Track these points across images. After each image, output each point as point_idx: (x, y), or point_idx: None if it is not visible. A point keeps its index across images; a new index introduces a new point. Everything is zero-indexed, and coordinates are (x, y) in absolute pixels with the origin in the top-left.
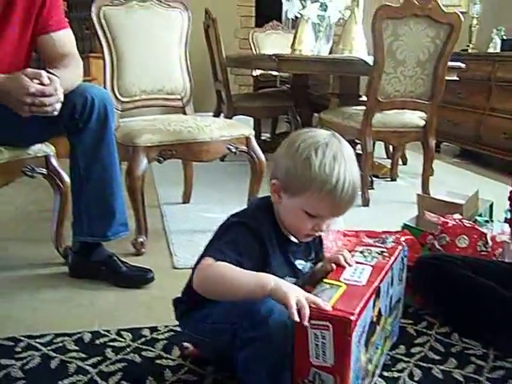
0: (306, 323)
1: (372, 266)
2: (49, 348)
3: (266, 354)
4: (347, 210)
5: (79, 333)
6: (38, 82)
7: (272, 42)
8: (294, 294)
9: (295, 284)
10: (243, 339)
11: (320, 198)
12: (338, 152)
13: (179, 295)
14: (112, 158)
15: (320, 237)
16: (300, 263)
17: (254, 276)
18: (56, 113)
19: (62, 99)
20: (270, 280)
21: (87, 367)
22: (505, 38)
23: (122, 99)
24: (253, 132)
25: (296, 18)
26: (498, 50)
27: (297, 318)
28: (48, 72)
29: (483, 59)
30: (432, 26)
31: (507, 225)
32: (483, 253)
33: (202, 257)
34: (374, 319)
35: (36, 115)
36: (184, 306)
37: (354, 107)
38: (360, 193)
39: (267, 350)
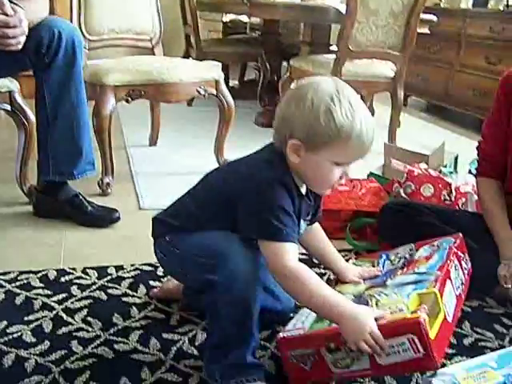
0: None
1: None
2: (13, 285)
3: (228, 300)
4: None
5: (44, 270)
6: (0, 12)
7: None
8: (366, 331)
9: None
10: (206, 281)
11: (350, 143)
12: (350, 95)
13: (162, 214)
14: (80, 96)
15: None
16: (302, 224)
17: (332, 300)
18: (20, 46)
19: (26, 32)
20: (345, 311)
21: (52, 304)
22: None
23: (90, 37)
24: (222, 75)
25: None
26: (470, 6)
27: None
28: (11, 2)
29: (454, 14)
30: None
31: (471, 176)
32: (447, 202)
33: (257, 235)
34: None
35: None
36: (167, 228)
37: (325, 55)
38: None
39: (228, 296)
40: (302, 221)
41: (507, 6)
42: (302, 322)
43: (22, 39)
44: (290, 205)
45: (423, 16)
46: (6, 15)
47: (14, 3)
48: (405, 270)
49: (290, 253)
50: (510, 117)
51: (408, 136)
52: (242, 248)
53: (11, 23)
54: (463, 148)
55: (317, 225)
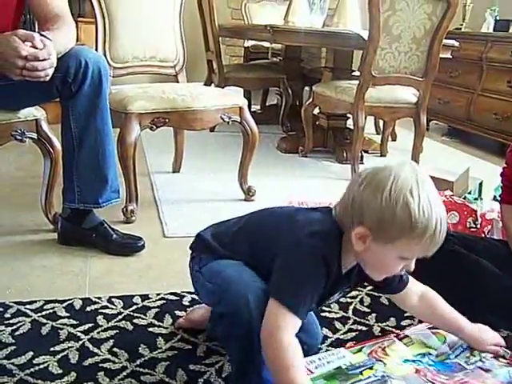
0: None
1: None
2: (39, 314)
3: (232, 331)
4: None
5: (70, 299)
6: (30, 44)
7: (265, 13)
8: None
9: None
10: (215, 312)
11: (421, 241)
12: (430, 189)
13: (205, 231)
14: (106, 124)
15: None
16: (334, 296)
17: None
18: (48, 78)
19: (55, 64)
20: None
21: (79, 334)
22: (498, 18)
23: (114, 64)
24: (246, 102)
25: None
26: (491, 30)
27: None
28: (41, 35)
29: (476, 39)
30: (429, 3)
31: (496, 203)
32: (472, 229)
33: (274, 293)
34: None
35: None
36: (203, 246)
37: (348, 81)
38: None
39: (232, 327)
40: (336, 293)
41: None
42: (315, 367)
43: (51, 71)
44: (320, 284)
45: (445, 41)
46: (36, 48)
47: (44, 36)
48: (462, 380)
49: (289, 326)
50: None
51: (430, 160)
52: (250, 278)
53: (41, 56)
54: (486, 173)
55: (429, 293)
